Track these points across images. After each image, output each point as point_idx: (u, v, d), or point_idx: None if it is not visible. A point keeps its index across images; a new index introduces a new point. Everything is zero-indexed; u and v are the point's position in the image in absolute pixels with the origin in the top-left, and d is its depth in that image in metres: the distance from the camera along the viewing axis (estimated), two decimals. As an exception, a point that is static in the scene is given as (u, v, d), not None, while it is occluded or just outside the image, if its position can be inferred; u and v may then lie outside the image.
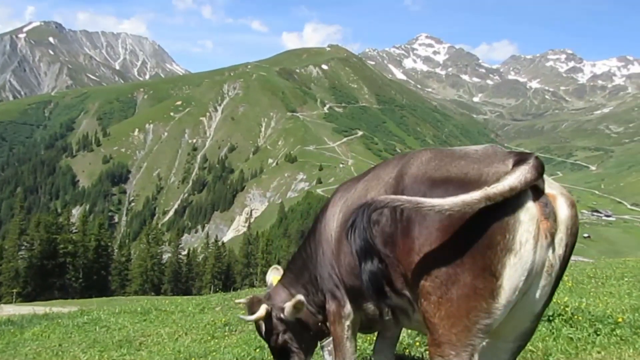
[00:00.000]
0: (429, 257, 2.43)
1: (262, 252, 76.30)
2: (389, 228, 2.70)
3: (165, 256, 76.22)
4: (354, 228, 2.61)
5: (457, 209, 2.24)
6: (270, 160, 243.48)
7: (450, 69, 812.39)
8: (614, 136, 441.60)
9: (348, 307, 3.39)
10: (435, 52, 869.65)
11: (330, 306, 3.49)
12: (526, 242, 2.27)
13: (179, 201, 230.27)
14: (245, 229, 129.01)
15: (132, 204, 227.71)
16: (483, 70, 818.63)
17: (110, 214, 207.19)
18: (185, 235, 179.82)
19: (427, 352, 2.56)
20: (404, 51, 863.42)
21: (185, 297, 18.49)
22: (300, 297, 3.76)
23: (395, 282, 2.78)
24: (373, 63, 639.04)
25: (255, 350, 6.48)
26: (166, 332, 9.19)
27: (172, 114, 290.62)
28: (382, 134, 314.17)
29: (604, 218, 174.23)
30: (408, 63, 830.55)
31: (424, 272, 2.45)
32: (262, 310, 3.93)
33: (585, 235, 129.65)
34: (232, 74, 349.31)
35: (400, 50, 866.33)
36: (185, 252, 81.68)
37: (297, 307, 3.75)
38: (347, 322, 3.44)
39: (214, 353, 6.83)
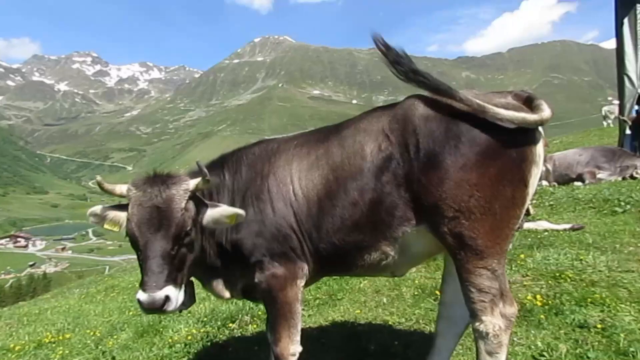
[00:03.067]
0: (471, 180, 2.71)
1: None
2: (402, 169, 2.88)
3: None
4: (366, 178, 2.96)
5: (516, 122, 2.66)
6: None
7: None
8: (144, 136, 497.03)
9: (306, 267, 3.28)
10: None
11: (277, 269, 3.22)
12: (540, 155, 2.79)
13: None
14: None
15: None
16: (2, 70, 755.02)
17: None
18: None
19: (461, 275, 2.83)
20: None
21: None
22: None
23: (404, 220, 2.94)
24: None
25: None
26: None
27: None
28: None
29: None
30: None
31: (465, 195, 2.70)
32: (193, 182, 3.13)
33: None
34: None
35: None
36: None
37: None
38: (302, 283, 3.31)
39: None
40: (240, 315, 5.54)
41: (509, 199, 2.76)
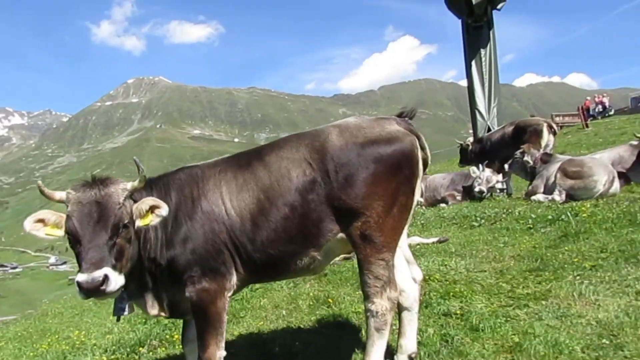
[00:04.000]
0: (378, 192, 3.49)
1: None
2: (324, 190, 3.53)
3: None
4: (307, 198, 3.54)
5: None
6: None
7: None
8: (6, 187, 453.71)
9: (235, 279, 3.69)
10: None
11: (208, 284, 3.56)
12: (422, 172, 3.76)
13: None
14: None
15: None
16: None
17: None
18: None
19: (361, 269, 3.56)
20: None
21: None
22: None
23: (328, 230, 3.60)
24: None
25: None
26: None
27: None
28: None
29: (11, 271, 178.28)
30: None
31: (374, 203, 3.48)
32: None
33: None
34: None
35: None
36: None
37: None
38: (230, 294, 3.71)
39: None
40: (148, 340, 5.80)
41: (404, 204, 3.63)
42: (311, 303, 5.96)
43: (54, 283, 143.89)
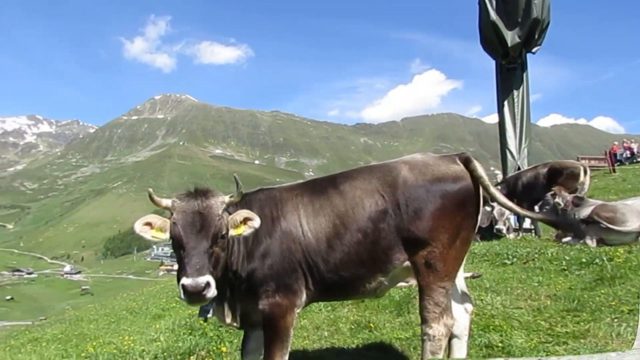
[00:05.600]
0: (444, 225, 3.81)
1: None
2: (394, 220, 3.85)
3: None
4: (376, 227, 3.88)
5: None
6: None
7: None
8: (29, 193, 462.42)
9: (304, 297, 3.97)
10: None
11: (281, 299, 3.82)
12: (481, 207, 4.10)
13: None
14: None
15: None
16: None
17: None
18: None
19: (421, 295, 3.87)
20: None
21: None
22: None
23: (396, 258, 3.91)
24: None
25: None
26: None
27: None
28: None
29: (26, 276, 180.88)
30: None
31: (440, 235, 3.80)
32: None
33: (8, 297, 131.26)
34: None
35: None
36: None
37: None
38: (299, 310, 3.99)
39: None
40: (197, 350, 6.08)
41: (465, 238, 3.96)
42: (352, 327, 6.18)
43: (67, 292, 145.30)
